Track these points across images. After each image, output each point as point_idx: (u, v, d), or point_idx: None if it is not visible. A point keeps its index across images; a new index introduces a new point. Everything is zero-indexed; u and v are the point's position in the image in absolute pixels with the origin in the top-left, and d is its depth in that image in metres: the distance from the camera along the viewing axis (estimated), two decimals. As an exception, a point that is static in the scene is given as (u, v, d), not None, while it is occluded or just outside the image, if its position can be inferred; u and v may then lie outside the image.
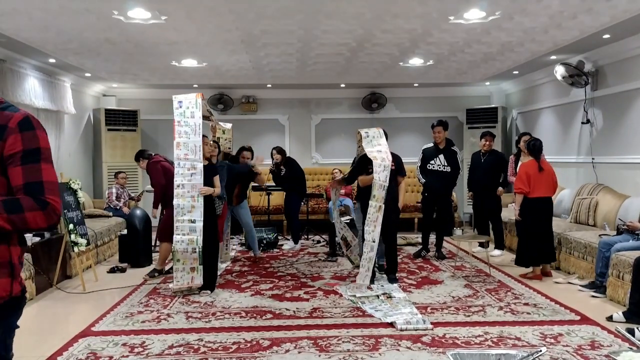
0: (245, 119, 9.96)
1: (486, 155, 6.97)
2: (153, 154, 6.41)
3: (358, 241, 5.98)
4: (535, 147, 5.72)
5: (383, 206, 5.13)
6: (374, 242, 5.14)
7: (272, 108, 10.07)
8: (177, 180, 4.98)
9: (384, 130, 5.61)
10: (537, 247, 5.65)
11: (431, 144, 6.78)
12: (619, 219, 5.45)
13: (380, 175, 5.14)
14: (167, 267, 6.02)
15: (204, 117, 5.41)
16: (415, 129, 9.84)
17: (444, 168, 6.57)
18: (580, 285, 5.28)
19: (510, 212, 7.42)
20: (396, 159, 5.61)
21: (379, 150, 5.30)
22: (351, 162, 6.27)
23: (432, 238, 6.99)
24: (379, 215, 5.12)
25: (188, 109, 5.08)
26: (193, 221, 4.97)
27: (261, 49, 6.37)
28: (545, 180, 5.65)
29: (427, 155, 6.72)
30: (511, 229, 7.23)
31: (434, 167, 6.62)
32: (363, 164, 5.55)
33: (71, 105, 7.94)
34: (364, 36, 5.79)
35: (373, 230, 5.13)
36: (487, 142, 6.97)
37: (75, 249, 5.49)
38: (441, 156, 6.61)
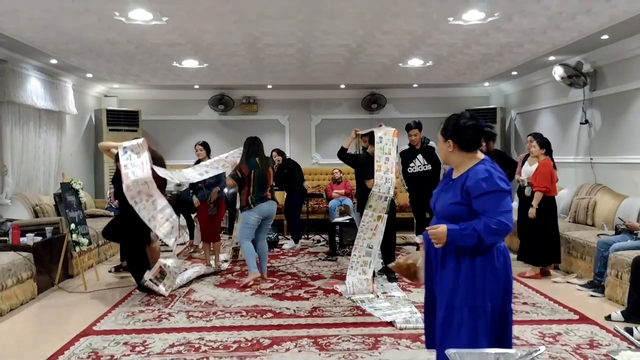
0: (245, 119, 9.98)
1: (487, 155, 6.94)
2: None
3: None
4: (549, 144, 5.72)
5: (385, 217, 5.14)
6: (370, 248, 5.17)
7: (273, 108, 10.10)
8: (144, 216, 4.92)
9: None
10: (546, 247, 5.65)
11: (406, 146, 6.63)
12: (619, 218, 5.47)
13: (381, 188, 5.16)
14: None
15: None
16: (415, 130, 9.85)
17: (425, 167, 6.44)
18: (579, 285, 5.30)
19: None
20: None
21: (386, 160, 5.25)
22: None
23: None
24: (379, 225, 5.16)
25: (132, 151, 5.05)
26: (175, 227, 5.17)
27: (262, 50, 6.40)
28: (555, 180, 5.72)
29: (405, 158, 6.56)
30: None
31: (414, 169, 6.47)
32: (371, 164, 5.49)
33: (73, 106, 7.97)
34: (364, 37, 5.82)
35: (370, 237, 5.16)
36: (486, 144, 6.95)
37: (77, 248, 5.52)
38: (419, 156, 6.47)
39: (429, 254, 2.60)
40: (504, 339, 2.46)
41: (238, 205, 6.24)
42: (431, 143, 6.57)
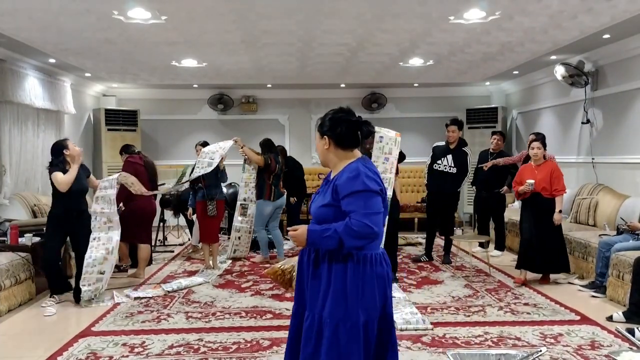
0: (245, 119, 9.96)
1: (494, 155, 6.91)
2: (136, 151, 6.36)
3: None
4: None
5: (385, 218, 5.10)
6: None
7: (272, 108, 10.06)
8: (94, 233, 4.93)
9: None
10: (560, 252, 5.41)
11: (442, 143, 6.62)
12: (621, 218, 5.44)
13: None
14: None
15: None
16: (416, 129, 9.84)
17: (450, 169, 6.38)
18: (580, 285, 5.28)
19: (512, 213, 7.41)
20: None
21: (385, 159, 5.21)
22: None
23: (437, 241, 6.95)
24: None
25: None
26: (102, 272, 4.91)
27: (261, 49, 6.37)
28: None
29: (436, 154, 6.55)
30: (511, 230, 7.23)
31: (440, 167, 6.43)
32: None
33: (71, 105, 7.94)
34: (364, 36, 5.79)
35: None
36: (496, 141, 6.90)
37: (75, 248, 5.49)
38: (449, 156, 6.41)
39: (302, 260, 2.40)
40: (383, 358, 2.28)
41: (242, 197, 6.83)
42: (466, 148, 6.52)
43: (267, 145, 6.59)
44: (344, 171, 2.28)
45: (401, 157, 5.52)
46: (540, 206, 5.30)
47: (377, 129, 5.40)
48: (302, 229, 2.25)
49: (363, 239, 2.18)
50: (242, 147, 6.30)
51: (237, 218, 6.85)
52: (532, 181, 5.27)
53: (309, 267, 2.34)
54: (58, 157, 4.98)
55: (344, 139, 2.33)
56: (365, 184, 2.20)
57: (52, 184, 4.91)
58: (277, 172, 6.49)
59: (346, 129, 2.32)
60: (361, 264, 2.23)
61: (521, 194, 5.38)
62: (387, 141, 5.21)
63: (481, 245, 7.11)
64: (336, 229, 2.17)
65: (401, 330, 4.03)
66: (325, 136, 2.36)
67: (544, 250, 5.30)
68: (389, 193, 5.15)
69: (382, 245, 2.48)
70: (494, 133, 7.08)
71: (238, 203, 6.96)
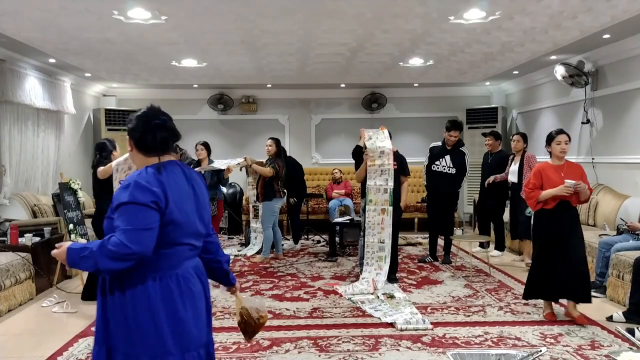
0: (245, 119, 9.95)
1: (493, 155, 6.92)
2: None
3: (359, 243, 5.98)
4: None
5: (389, 208, 5.15)
6: (382, 242, 5.21)
7: (272, 108, 10.06)
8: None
9: (388, 132, 5.59)
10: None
11: (439, 143, 6.59)
12: (621, 218, 5.44)
13: (377, 180, 5.17)
14: None
15: None
16: (416, 129, 9.85)
17: (449, 170, 6.38)
18: (581, 285, 5.27)
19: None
20: (400, 159, 5.60)
21: (380, 153, 5.28)
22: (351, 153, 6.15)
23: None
24: (385, 218, 5.15)
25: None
26: None
27: (261, 49, 6.37)
28: None
29: (434, 154, 6.53)
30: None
31: (438, 167, 6.42)
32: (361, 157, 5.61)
33: (71, 105, 7.94)
34: (364, 36, 5.79)
35: (380, 232, 5.19)
36: (488, 142, 6.92)
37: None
38: (447, 157, 6.40)
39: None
40: None
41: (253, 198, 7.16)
42: (463, 148, 6.52)
43: (282, 148, 6.96)
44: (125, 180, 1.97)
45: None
46: (569, 219, 4.22)
47: (366, 134, 5.54)
48: (63, 248, 1.90)
49: (120, 260, 1.80)
50: (250, 165, 6.66)
51: (252, 219, 7.35)
52: (573, 182, 4.06)
53: (98, 293, 2.03)
54: (102, 153, 4.89)
55: (139, 142, 2.03)
56: (132, 195, 1.85)
57: (97, 183, 4.72)
58: (283, 175, 6.77)
59: (142, 131, 2.01)
60: (139, 287, 1.91)
61: (541, 202, 4.17)
62: (376, 137, 5.44)
63: (481, 245, 7.12)
64: (92, 248, 1.83)
65: (401, 330, 4.04)
66: (128, 135, 2.07)
67: (577, 271, 4.21)
68: (390, 184, 5.19)
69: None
70: (485, 135, 7.05)
71: (250, 206, 7.34)
